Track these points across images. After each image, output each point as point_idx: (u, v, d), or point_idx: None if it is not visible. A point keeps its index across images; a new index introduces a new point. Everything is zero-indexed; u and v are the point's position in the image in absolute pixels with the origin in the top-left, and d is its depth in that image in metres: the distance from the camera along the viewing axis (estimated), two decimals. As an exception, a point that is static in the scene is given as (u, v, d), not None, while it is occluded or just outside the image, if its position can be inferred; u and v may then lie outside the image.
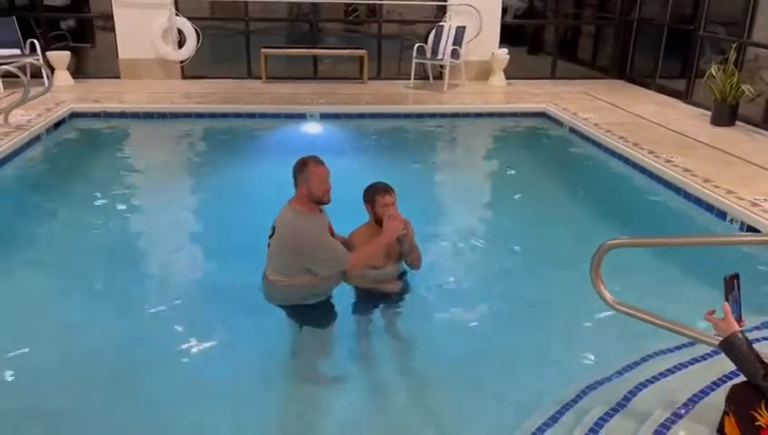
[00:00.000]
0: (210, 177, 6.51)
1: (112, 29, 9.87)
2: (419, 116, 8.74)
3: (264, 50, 9.98)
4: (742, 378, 2.18)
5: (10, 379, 3.26)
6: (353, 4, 11.30)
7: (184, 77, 10.17)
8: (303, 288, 3.60)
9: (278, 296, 3.68)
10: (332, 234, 3.71)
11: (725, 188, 5.49)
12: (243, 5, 10.35)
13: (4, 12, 9.71)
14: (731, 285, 2.17)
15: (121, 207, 5.65)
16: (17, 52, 8.80)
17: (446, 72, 9.85)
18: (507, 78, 10.43)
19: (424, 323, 3.79)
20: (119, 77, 9.97)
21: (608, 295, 2.74)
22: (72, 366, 3.36)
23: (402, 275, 3.93)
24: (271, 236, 3.61)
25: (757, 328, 3.43)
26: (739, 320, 2.16)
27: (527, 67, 11.32)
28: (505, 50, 10.35)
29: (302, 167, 3.50)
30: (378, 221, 3.64)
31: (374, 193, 3.67)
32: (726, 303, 2.16)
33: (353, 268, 3.63)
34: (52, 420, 2.99)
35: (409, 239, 3.74)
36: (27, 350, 3.47)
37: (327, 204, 3.60)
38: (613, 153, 6.95)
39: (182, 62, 10.07)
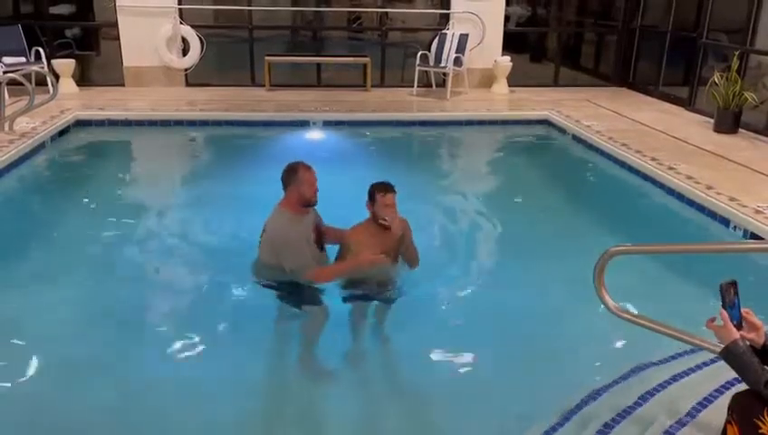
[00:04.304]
0: (214, 184, 6.51)
1: (117, 37, 9.92)
2: (422, 123, 8.75)
3: (267, 57, 10.01)
4: (744, 386, 2.18)
5: (8, 386, 3.27)
6: (356, 12, 11.35)
7: (188, 85, 10.22)
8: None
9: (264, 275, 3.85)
10: (320, 231, 3.85)
11: (728, 195, 5.48)
12: (246, 14, 10.40)
13: (9, 20, 9.78)
14: (727, 292, 2.15)
15: (125, 214, 5.66)
16: (22, 60, 8.84)
17: (449, 79, 9.88)
18: (510, 85, 10.45)
19: (424, 332, 3.78)
20: (123, 85, 10.02)
21: (610, 303, 2.73)
22: (72, 366, 3.37)
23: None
24: (261, 236, 3.80)
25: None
26: (739, 327, 2.15)
27: (530, 75, 11.32)
28: (508, 57, 10.37)
29: (291, 173, 3.69)
30: (375, 218, 3.69)
31: (375, 190, 3.74)
32: (723, 310, 2.15)
33: (316, 281, 3.75)
34: (52, 427, 3.00)
35: (407, 240, 3.83)
36: (27, 352, 3.48)
37: (315, 205, 3.77)
38: (616, 160, 6.96)
39: (186, 69, 10.12)
